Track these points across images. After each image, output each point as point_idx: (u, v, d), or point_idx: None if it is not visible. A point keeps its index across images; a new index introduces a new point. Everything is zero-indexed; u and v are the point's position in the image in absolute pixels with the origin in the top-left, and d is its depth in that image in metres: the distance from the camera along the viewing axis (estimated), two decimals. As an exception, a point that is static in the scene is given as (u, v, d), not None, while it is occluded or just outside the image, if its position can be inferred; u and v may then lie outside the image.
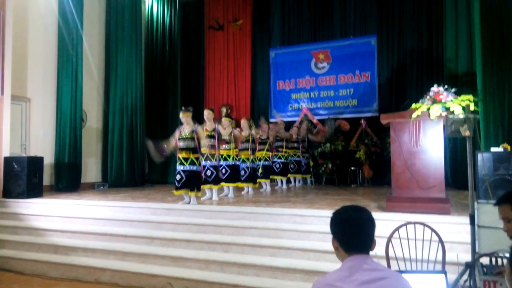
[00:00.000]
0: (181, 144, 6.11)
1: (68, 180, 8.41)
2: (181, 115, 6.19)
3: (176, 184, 6.08)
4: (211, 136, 6.44)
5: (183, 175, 6.01)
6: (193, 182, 6.10)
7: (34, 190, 6.96)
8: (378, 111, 9.75)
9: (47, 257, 5.26)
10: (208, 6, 12.09)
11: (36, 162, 7.13)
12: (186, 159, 6.07)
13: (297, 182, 9.45)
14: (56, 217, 6.15)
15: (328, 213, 1.79)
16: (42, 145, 8.23)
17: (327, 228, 1.76)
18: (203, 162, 6.36)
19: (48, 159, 8.15)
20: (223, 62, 11.86)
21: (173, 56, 10.93)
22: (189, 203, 6.07)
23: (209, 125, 6.59)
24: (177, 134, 6.19)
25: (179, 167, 6.08)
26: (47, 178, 8.07)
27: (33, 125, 8.20)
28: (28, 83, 8.10)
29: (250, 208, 5.51)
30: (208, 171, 6.49)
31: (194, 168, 6.12)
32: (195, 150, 6.15)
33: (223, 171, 6.96)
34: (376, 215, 4.45)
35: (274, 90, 11.36)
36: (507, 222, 2.00)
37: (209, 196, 6.66)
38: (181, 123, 6.25)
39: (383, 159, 9.13)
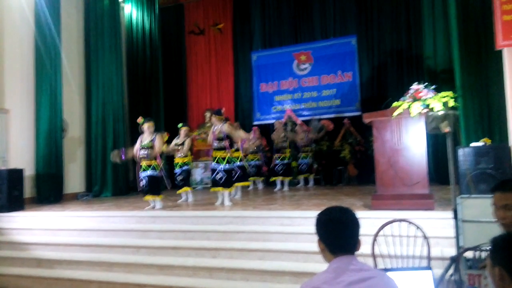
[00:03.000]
0: (142, 152, 6.41)
1: (50, 191, 8.23)
2: (146, 125, 6.44)
3: (143, 190, 6.46)
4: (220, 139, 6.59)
5: (146, 181, 6.37)
6: (154, 186, 6.40)
7: (15, 203, 6.79)
8: (361, 110, 9.83)
9: (31, 271, 5.15)
10: (188, 10, 12.04)
11: (16, 175, 6.96)
12: (148, 166, 6.40)
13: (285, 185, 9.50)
14: (39, 230, 6.02)
15: (315, 214, 1.78)
16: (22, 157, 8.03)
17: (314, 229, 1.76)
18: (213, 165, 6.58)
19: (29, 171, 7.97)
20: (205, 66, 11.82)
21: (154, 62, 10.84)
22: (154, 207, 6.36)
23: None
24: (138, 144, 6.49)
25: (142, 174, 6.42)
26: (28, 190, 7.88)
27: (12, 136, 8.01)
28: (6, 94, 7.92)
29: (237, 212, 5.49)
30: (219, 174, 6.47)
31: (155, 173, 6.42)
32: (155, 157, 6.48)
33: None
34: (362, 213, 4.51)
35: (257, 93, 11.36)
36: (506, 210, 1.92)
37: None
38: (142, 133, 6.52)
39: (367, 157, 9.19)
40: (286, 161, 8.78)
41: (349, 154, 9.44)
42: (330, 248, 1.69)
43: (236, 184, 7.03)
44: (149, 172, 6.37)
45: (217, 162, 6.47)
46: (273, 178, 8.99)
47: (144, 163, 6.40)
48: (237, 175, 6.99)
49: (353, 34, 10.35)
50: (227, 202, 6.32)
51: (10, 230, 6.12)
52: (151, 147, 6.37)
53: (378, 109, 5.29)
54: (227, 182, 6.43)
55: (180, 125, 7.50)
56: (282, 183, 8.86)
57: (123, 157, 6.55)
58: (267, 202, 6.49)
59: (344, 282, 1.56)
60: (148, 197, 6.42)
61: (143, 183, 6.40)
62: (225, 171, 6.42)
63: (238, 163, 7.50)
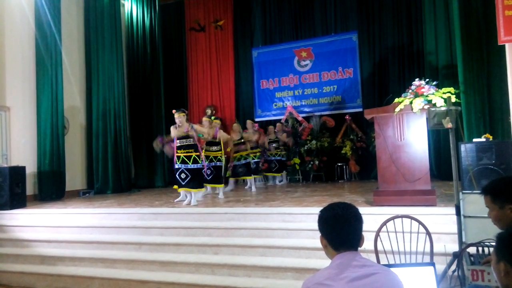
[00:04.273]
0: (179, 142, 6.27)
1: (52, 188, 8.24)
2: (176, 115, 6.31)
3: (181, 182, 6.21)
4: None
5: (188, 174, 6.17)
6: (197, 180, 6.26)
7: (17, 200, 6.80)
8: (362, 106, 9.83)
9: (34, 268, 5.15)
10: (189, 7, 12.00)
11: (18, 172, 6.97)
12: (188, 157, 6.23)
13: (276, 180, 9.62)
14: (41, 227, 6.02)
15: (317, 210, 1.78)
16: (24, 154, 8.05)
17: (316, 225, 1.75)
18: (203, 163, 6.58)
19: (31, 168, 7.98)
20: (206, 63, 11.80)
21: (155, 59, 10.82)
22: (189, 203, 6.15)
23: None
24: (173, 132, 6.32)
25: (182, 166, 6.22)
26: (30, 187, 7.89)
27: (14, 134, 8.02)
28: (7, 92, 7.92)
29: (239, 209, 5.49)
30: (183, 173, 6.35)
31: (198, 166, 6.31)
32: (196, 147, 6.32)
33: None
34: (364, 209, 4.51)
35: (258, 90, 11.35)
36: (489, 211, 2.14)
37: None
38: (172, 124, 6.41)
39: (369, 153, 9.20)
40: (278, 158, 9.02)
41: (351, 151, 9.44)
42: (333, 244, 1.69)
43: (206, 184, 7.00)
44: (191, 165, 6.22)
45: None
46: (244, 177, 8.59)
47: (182, 154, 6.23)
48: (211, 175, 7.06)
49: (354, 30, 10.32)
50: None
51: (13, 228, 6.13)
52: (189, 136, 6.26)
53: (379, 105, 5.30)
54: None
55: (205, 118, 7.61)
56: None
57: (161, 142, 6.59)
58: (269, 199, 6.49)
59: (347, 278, 1.56)
60: (184, 189, 6.27)
61: (184, 175, 6.18)
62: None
63: (214, 163, 7.24)
